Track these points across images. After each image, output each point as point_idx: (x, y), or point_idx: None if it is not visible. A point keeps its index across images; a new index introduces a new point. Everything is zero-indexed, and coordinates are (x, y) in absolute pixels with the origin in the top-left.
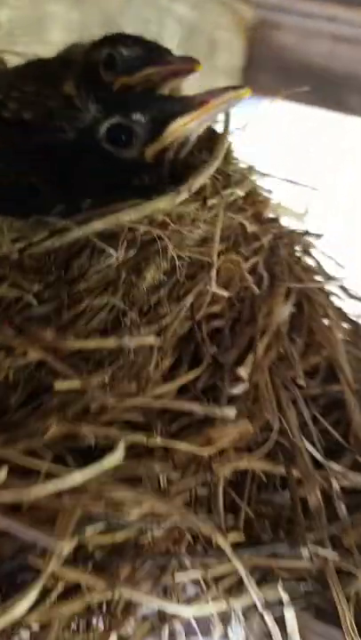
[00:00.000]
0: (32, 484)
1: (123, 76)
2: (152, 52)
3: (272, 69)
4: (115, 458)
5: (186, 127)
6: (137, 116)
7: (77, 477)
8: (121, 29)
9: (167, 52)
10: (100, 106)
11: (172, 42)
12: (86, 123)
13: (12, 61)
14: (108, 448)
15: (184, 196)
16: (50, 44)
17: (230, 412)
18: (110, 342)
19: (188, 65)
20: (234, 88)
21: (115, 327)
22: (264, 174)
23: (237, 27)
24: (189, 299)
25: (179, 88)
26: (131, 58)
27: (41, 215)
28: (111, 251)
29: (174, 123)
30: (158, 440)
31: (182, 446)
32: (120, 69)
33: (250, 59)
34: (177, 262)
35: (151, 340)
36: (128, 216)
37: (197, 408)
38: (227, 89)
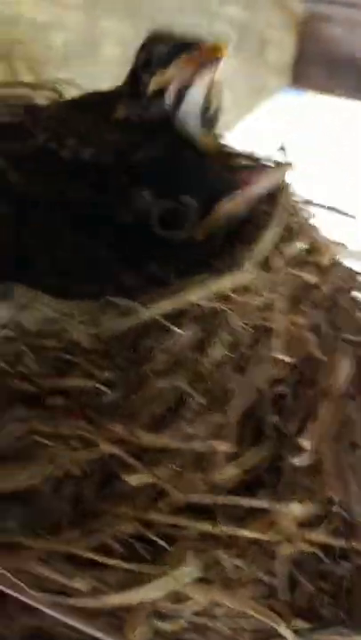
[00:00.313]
0: (109, 593)
1: (156, 71)
2: (184, 44)
3: (322, 63)
4: (189, 574)
5: (233, 207)
6: (187, 200)
7: (153, 588)
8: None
9: (200, 40)
10: (151, 191)
11: (224, 37)
12: (139, 208)
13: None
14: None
15: (250, 273)
16: (103, 62)
17: (296, 508)
18: (177, 443)
19: (216, 50)
20: (279, 166)
21: (179, 407)
22: (321, 206)
23: (288, 23)
24: (253, 370)
25: (217, 83)
26: (164, 54)
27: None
28: (177, 330)
29: (221, 204)
30: (224, 528)
31: (247, 533)
32: (154, 67)
33: (300, 53)
34: (240, 333)
35: (222, 447)
36: (195, 295)
37: (264, 504)
38: (272, 167)
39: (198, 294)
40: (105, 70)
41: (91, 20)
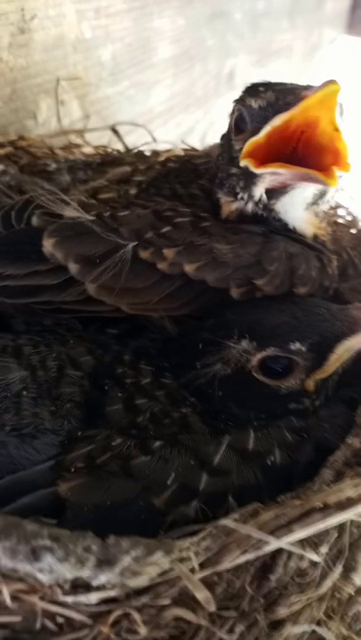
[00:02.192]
0: None
1: (251, 135)
2: (286, 95)
3: None
4: None
5: (352, 349)
6: (296, 346)
7: None
8: (229, 19)
9: (303, 89)
10: (253, 342)
11: (282, 1)
12: (235, 356)
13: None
14: None
15: None
16: (159, 64)
17: None
18: None
19: (325, 90)
20: None
21: None
22: None
23: None
24: None
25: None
26: (262, 108)
27: (209, 452)
28: (313, 556)
29: (339, 347)
30: None
31: None
32: (250, 126)
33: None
34: None
35: None
36: (337, 518)
37: None
38: None
39: (343, 515)
40: (161, 72)
41: (140, 23)
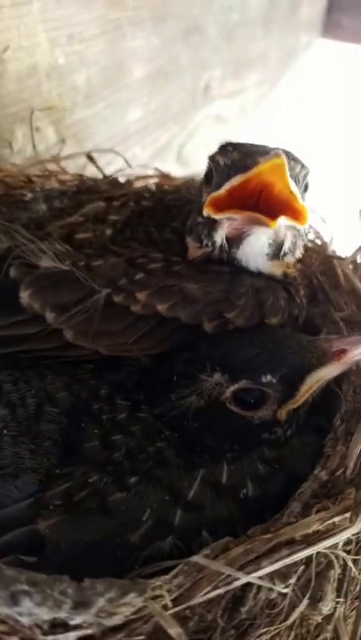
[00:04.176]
0: None
1: (215, 189)
2: (247, 158)
3: (355, 10)
4: None
5: (321, 380)
6: (267, 378)
7: None
8: (204, 33)
9: (260, 154)
10: (226, 375)
11: (257, 10)
12: (209, 388)
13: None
14: None
15: None
16: (133, 85)
17: None
18: None
19: (271, 161)
20: None
21: None
22: None
23: None
24: None
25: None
26: (226, 165)
27: (183, 487)
28: (281, 589)
29: (309, 378)
30: None
31: None
32: (215, 181)
33: (331, 3)
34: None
35: None
36: (304, 553)
37: None
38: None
39: (309, 550)
40: (136, 90)
41: (114, 46)
